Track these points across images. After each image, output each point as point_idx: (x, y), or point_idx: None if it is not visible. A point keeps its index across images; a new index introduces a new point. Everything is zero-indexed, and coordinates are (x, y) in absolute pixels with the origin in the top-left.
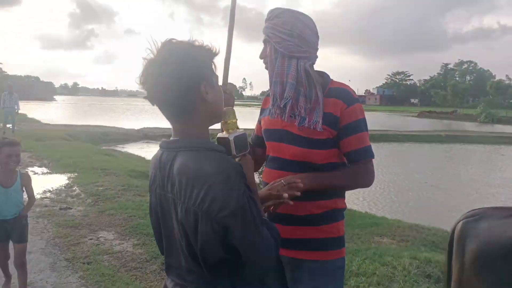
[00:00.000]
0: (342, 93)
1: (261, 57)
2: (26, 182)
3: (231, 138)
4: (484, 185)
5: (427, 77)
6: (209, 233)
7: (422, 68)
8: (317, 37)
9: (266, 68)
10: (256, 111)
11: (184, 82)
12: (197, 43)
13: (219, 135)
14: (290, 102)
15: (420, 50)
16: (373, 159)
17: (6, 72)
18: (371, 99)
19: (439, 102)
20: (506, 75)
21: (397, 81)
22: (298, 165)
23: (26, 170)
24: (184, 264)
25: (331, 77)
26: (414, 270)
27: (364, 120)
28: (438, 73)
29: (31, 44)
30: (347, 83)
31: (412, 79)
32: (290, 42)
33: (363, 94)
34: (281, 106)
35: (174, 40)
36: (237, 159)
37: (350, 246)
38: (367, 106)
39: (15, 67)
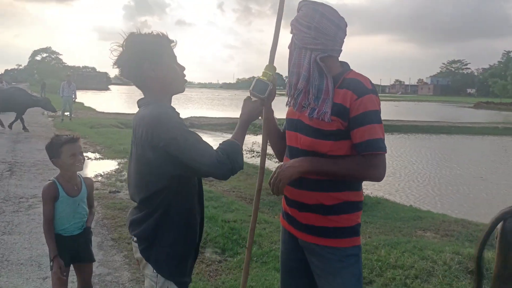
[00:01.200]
0: (354, 83)
1: (288, 48)
2: (90, 189)
3: (270, 84)
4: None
5: (486, 66)
6: (156, 161)
7: (480, 56)
8: (339, 28)
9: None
10: None
11: (131, 62)
12: (153, 33)
13: (259, 77)
14: (302, 93)
15: (479, 36)
16: (384, 153)
17: (65, 63)
18: (424, 89)
19: (499, 92)
20: None
21: (453, 70)
22: (307, 155)
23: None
24: (134, 193)
25: (381, 66)
26: (455, 265)
27: (375, 112)
28: (498, 61)
29: (88, 36)
30: (398, 72)
31: (469, 68)
32: (306, 34)
33: (416, 84)
34: (294, 96)
35: (134, 32)
36: (254, 98)
37: (389, 239)
38: (419, 96)
39: (74, 58)
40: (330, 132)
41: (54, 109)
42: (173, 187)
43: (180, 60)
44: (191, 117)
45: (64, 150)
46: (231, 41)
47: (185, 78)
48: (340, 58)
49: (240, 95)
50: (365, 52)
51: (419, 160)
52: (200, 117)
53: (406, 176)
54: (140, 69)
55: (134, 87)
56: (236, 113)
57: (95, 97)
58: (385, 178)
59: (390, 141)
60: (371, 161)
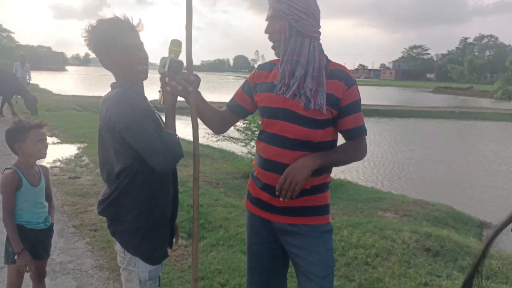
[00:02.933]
0: (342, 74)
1: (268, 32)
2: (47, 177)
3: (168, 58)
4: (494, 163)
5: (445, 52)
6: (115, 142)
7: (440, 42)
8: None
9: (272, 44)
10: None
11: (94, 49)
12: (118, 19)
13: (169, 57)
14: (298, 82)
15: (439, 23)
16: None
17: (18, 42)
18: (386, 74)
19: (456, 77)
20: None
21: (414, 55)
22: (300, 144)
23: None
24: (101, 172)
25: (345, 51)
26: (413, 243)
27: (360, 101)
28: (456, 47)
29: (43, 13)
30: (361, 57)
31: (429, 53)
32: (306, 21)
33: (378, 69)
34: (290, 84)
35: (100, 20)
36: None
37: (351, 220)
38: (381, 80)
39: (28, 37)
40: (323, 121)
41: (36, 111)
42: (135, 165)
43: (143, 40)
44: (155, 99)
45: (31, 135)
46: (195, 22)
47: (146, 67)
48: (323, 43)
49: (205, 78)
50: (329, 36)
51: (380, 144)
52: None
53: (367, 159)
54: (101, 56)
55: (92, 68)
56: (205, 96)
57: (51, 78)
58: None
59: None
60: (361, 144)
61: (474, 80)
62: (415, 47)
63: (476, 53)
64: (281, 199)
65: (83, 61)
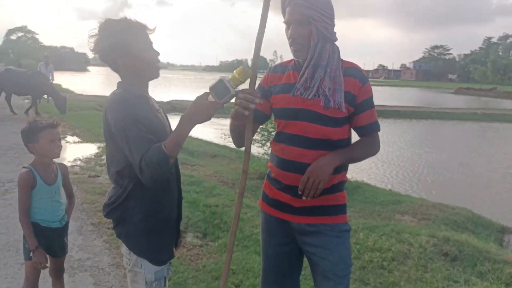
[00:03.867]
0: (356, 72)
1: (293, 37)
2: (65, 175)
3: (219, 78)
4: None
5: (468, 52)
6: (116, 141)
7: (462, 42)
8: None
9: (295, 48)
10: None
11: (104, 50)
12: (127, 20)
13: (223, 79)
14: (318, 83)
15: (461, 22)
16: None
17: (42, 43)
18: (407, 74)
19: (479, 78)
20: None
21: (435, 55)
22: (321, 143)
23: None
24: (109, 175)
25: (365, 51)
26: (430, 247)
27: (372, 97)
28: (480, 47)
29: (67, 15)
30: (381, 57)
31: (451, 54)
32: (330, 26)
33: (399, 69)
34: (311, 86)
35: (109, 19)
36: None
37: (368, 222)
38: (401, 81)
39: (51, 38)
40: (341, 119)
41: (65, 110)
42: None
43: (161, 42)
44: (173, 100)
45: (43, 135)
46: (214, 23)
47: (159, 64)
48: (340, 42)
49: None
50: (349, 36)
51: (400, 145)
52: (182, 100)
53: (386, 161)
54: (112, 57)
55: None
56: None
57: (74, 79)
58: (366, 162)
59: None
60: (374, 140)
61: (497, 81)
62: (436, 47)
63: (500, 53)
64: (303, 198)
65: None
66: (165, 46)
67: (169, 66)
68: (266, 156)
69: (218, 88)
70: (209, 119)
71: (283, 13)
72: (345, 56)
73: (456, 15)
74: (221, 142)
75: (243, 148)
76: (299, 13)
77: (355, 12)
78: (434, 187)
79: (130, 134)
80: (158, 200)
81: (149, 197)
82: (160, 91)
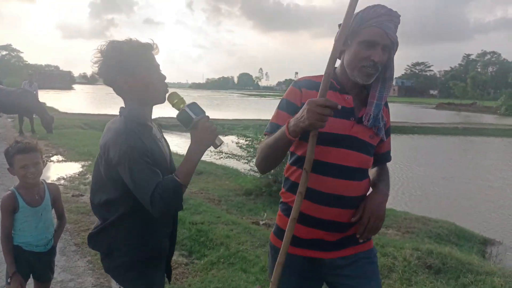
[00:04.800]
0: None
1: (378, 61)
2: (56, 196)
3: (185, 107)
4: (498, 179)
5: (448, 68)
6: (111, 173)
7: (443, 59)
8: None
9: (370, 72)
10: (273, 101)
11: (107, 72)
12: (131, 41)
13: (178, 113)
14: (380, 111)
15: (441, 40)
16: None
17: (27, 61)
18: (390, 91)
19: (459, 94)
20: None
21: (417, 72)
22: (360, 173)
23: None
24: (95, 203)
25: None
26: (414, 260)
27: None
28: (459, 64)
29: (52, 33)
30: None
31: (432, 70)
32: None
33: None
34: (375, 115)
35: (113, 41)
36: (200, 124)
37: None
38: None
39: (36, 56)
40: (374, 147)
41: (51, 130)
42: (127, 198)
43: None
44: (159, 117)
45: (15, 160)
46: (200, 41)
47: (166, 88)
48: (315, 60)
49: (210, 95)
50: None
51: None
52: (168, 117)
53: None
54: (116, 80)
55: (99, 87)
56: (206, 113)
57: (58, 97)
58: None
59: None
60: (387, 167)
61: (477, 96)
62: (417, 64)
63: (479, 69)
64: (360, 240)
65: (90, 80)
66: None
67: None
68: (252, 172)
69: (195, 110)
70: (213, 141)
71: (357, 28)
72: None
73: (436, 33)
74: (207, 158)
75: (229, 163)
76: (390, 38)
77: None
78: (418, 200)
79: (137, 167)
80: (148, 232)
81: (138, 229)
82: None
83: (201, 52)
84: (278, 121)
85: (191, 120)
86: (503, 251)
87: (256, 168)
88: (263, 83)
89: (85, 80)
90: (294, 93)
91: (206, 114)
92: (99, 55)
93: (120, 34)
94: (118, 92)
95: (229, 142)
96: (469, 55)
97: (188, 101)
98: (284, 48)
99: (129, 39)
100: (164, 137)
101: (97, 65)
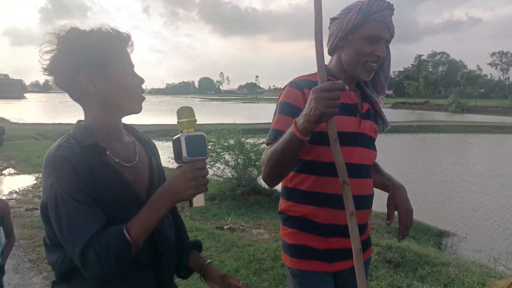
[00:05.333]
0: None
1: (381, 56)
2: (5, 212)
3: (182, 136)
4: (451, 173)
5: (402, 69)
6: (43, 217)
7: (396, 59)
8: None
9: (372, 68)
10: (235, 105)
11: (65, 69)
12: (101, 30)
13: (174, 137)
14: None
15: (394, 42)
16: None
17: None
18: None
19: (412, 93)
20: (477, 65)
21: None
22: (369, 170)
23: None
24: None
25: (309, 70)
26: (375, 256)
27: None
28: (412, 64)
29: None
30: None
31: None
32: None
33: None
34: (378, 109)
35: (75, 28)
36: (186, 169)
37: None
38: None
39: None
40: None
41: (1, 141)
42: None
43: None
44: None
45: None
46: (158, 46)
47: (143, 94)
48: (275, 63)
49: (171, 101)
50: (293, 56)
51: None
52: (135, 125)
53: None
54: (76, 80)
55: (53, 95)
56: (167, 119)
57: (9, 107)
58: None
59: None
60: None
61: (429, 94)
62: None
63: (430, 69)
64: (401, 240)
65: (43, 88)
66: None
67: None
68: (215, 177)
69: (193, 146)
70: (190, 197)
71: (360, 23)
72: (292, 76)
73: None
74: (169, 165)
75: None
76: (391, 32)
77: (296, 34)
78: (377, 197)
79: (65, 209)
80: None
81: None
82: None
83: (159, 57)
84: (280, 127)
85: (180, 156)
86: (457, 241)
87: (219, 173)
88: (224, 87)
89: (38, 88)
90: (294, 94)
91: (206, 156)
92: (54, 43)
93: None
94: (77, 96)
95: None
96: (420, 55)
97: (154, 105)
98: (244, 52)
99: (98, 27)
100: (150, 156)
101: (48, 57)
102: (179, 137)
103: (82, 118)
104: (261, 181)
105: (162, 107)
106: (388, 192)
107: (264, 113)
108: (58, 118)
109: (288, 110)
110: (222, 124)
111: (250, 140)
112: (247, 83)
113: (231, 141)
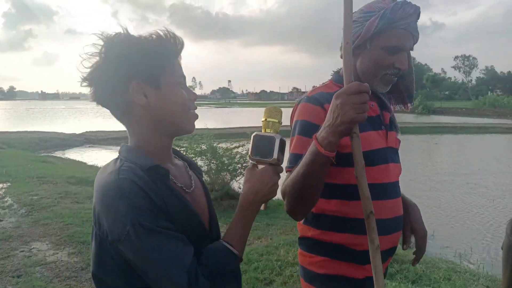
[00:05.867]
0: None
1: (405, 67)
2: None
3: (277, 138)
4: (415, 172)
5: None
6: (106, 261)
7: None
8: None
9: (393, 80)
10: (208, 110)
11: (110, 80)
12: (152, 36)
13: (258, 133)
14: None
15: None
16: None
17: None
18: None
19: None
20: (442, 69)
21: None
22: (399, 185)
23: None
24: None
25: (279, 75)
26: None
27: None
28: None
29: None
30: (295, 80)
31: None
32: None
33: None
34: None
35: (121, 33)
36: (273, 169)
37: (288, 238)
38: None
39: None
40: None
41: None
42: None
43: (71, 71)
44: (86, 132)
45: None
46: None
47: (195, 111)
48: (247, 68)
49: None
50: (265, 61)
51: None
52: (96, 131)
53: None
54: (123, 92)
55: (18, 102)
56: None
57: None
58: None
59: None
60: None
61: None
62: (339, 69)
63: None
64: (416, 265)
65: (7, 95)
66: (77, 77)
67: (81, 97)
68: None
69: (259, 146)
70: (276, 189)
71: (381, 30)
72: (263, 80)
73: None
74: None
75: None
76: (414, 39)
77: (268, 39)
78: None
79: (150, 241)
80: None
81: None
82: (72, 123)
83: None
84: (301, 150)
85: (265, 154)
86: None
87: None
88: (197, 92)
89: (2, 95)
90: (315, 112)
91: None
92: (97, 48)
93: (40, 45)
94: (122, 111)
95: None
96: None
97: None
98: (216, 56)
99: (155, 31)
100: (202, 181)
101: (89, 64)
102: (273, 136)
103: (52, 126)
104: (234, 185)
105: None
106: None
107: (237, 118)
108: (23, 126)
109: (309, 130)
110: (195, 129)
111: (223, 145)
112: (219, 88)
113: (203, 146)
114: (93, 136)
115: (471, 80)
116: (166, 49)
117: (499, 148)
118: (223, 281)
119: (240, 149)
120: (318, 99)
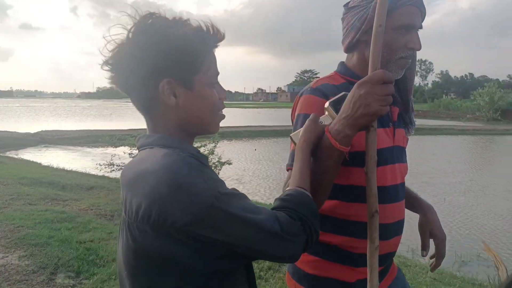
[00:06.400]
0: None
1: (418, 47)
2: None
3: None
4: None
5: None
6: (168, 254)
7: (328, 66)
8: None
9: (407, 62)
10: None
11: (138, 71)
12: (189, 23)
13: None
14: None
15: (325, 49)
16: None
17: None
18: (283, 96)
19: None
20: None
21: (306, 78)
22: (404, 187)
23: None
24: None
25: (245, 76)
26: None
27: None
28: None
29: None
30: (260, 81)
31: (319, 77)
32: None
33: (275, 92)
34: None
35: (155, 14)
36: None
37: None
38: (278, 103)
39: None
40: None
41: None
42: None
43: (28, 70)
44: (42, 131)
45: None
46: (88, 48)
47: (223, 111)
48: (221, 68)
49: (101, 105)
50: (230, 62)
51: (279, 162)
52: (53, 130)
53: (273, 177)
54: (152, 89)
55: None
56: (95, 124)
57: None
58: (256, 180)
59: (255, 145)
60: None
61: None
62: (306, 71)
63: None
64: (431, 272)
65: None
66: (33, 74)
67: (37, 95)
68: None
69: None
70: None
71: (389, 10)
72: (228, 80)
73: (321, 43)
74: (98, 173)
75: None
76: (422, 15)
77: (232, 40)
78: None
79: (234, 206)
80: None
81: None
82: (26, 121)
83: (90, 60)
84: None
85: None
86: None
87: None
88: None
89: None
90: (320, 105)
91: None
92: (126, 28)
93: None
94: (149, 107)
95: (121, 153)
96: None
97: (84, 109)
98: None
99: (190, 20)
100: None
101: (113, 47)
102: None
103: (5, 125)
104: None
105: (90, 111)
106: (417, 213)
107: None
108: None
109: None
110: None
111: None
112: None
113: None
114: (49, 135)
115: (427, 83)
116: (205, 45)
117: (452, 149)
118: (310, 219)
119: (202, 149)
120: (323, 91)
